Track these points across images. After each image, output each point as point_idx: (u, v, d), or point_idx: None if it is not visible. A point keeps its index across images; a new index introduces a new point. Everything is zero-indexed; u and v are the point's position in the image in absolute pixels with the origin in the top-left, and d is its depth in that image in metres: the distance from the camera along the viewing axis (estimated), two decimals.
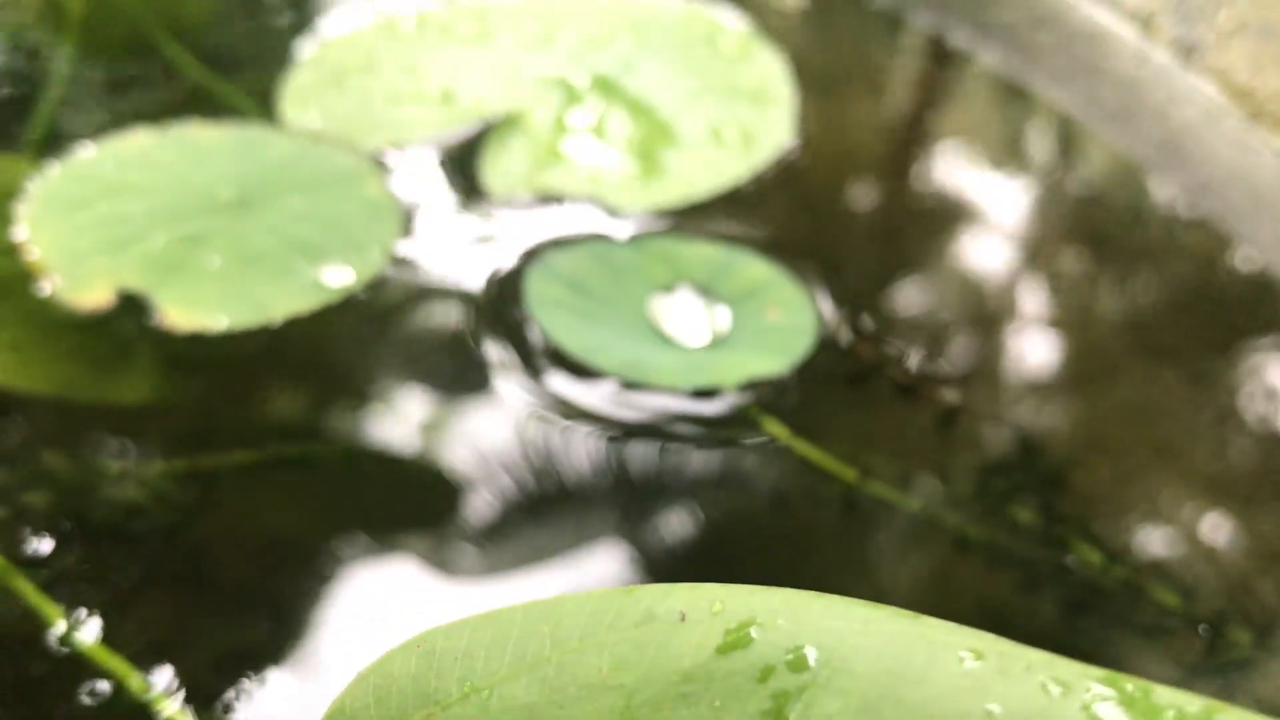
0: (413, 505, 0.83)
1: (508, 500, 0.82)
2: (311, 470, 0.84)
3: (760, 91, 1.16)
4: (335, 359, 0.90)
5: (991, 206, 1.07)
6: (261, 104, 1.09)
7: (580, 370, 0.88)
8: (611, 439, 0.85)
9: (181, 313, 0.89)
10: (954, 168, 1.11)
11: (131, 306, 0.90)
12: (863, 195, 1.07)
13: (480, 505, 0.82)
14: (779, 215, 1.03)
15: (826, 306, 0.95)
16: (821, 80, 1.19)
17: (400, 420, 0.87)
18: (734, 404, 0.87)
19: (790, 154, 1.08)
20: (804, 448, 0.85)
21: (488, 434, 0.86)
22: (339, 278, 0.93)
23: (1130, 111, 1.25)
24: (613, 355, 0.88)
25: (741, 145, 1.09)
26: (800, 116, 1.12)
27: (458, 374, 0.89)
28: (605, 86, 1.14)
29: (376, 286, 0.94)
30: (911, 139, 1.14)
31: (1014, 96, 1.21)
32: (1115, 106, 1.27)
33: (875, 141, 1.13)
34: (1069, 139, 1.21)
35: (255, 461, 0.84)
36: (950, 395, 0.89)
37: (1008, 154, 1.15)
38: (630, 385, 0.87)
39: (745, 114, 1.13)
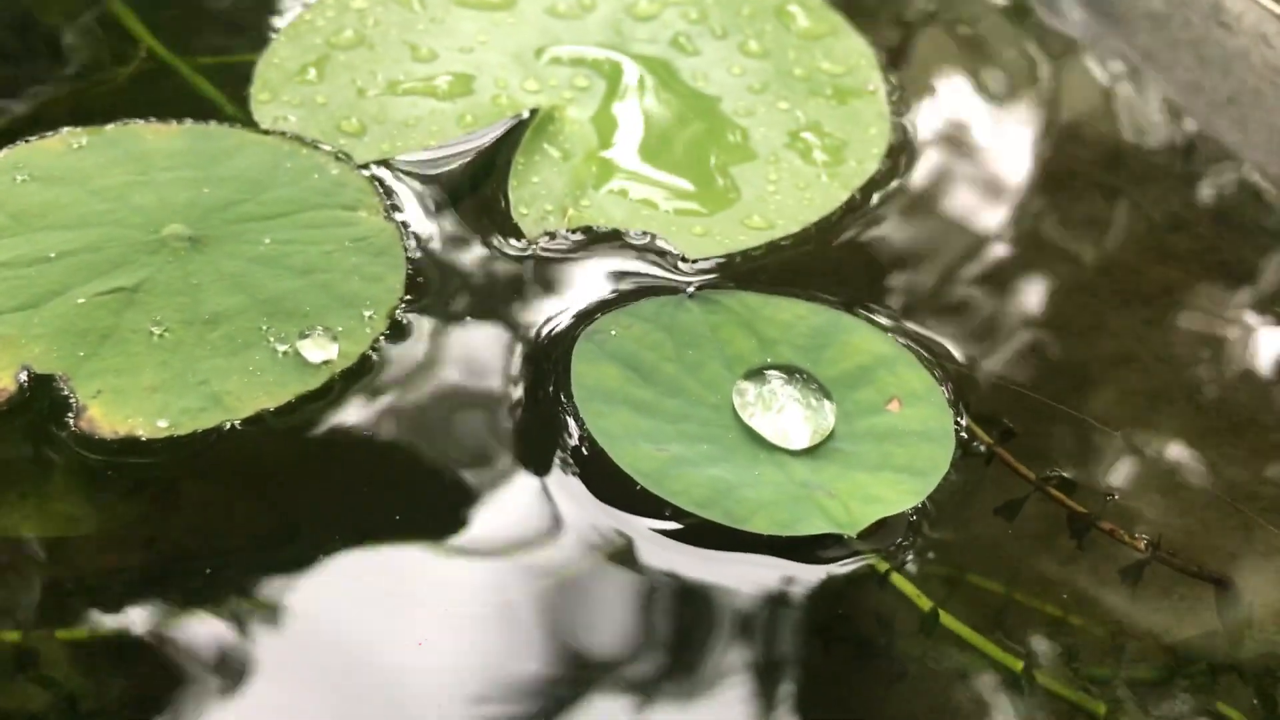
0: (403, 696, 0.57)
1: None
2: (272, 637, 0.58)
3: (845, 82, 0.87)
4: (310, 479, 0.63)
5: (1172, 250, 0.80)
6: (229, 87, 0.80)
7: (644, 500, 0.61)
8: (678, 608, 0.59)
9: (106, 412, 0.62)
10: (1103, 192, 0.83)
11: (41, 395, 0.63)
12: (994, 230, 0.80)
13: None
14: (887, 260, 0.76)
15: (958, 393, 0.68)
16: (917, 67, 0.91)
17: (396, 573, 0.60)
18: (853, 554, 0.61)
19: (892, 171, 0.80)
20: (952, 623, 0.59)
21: (504, 604, 0.59)
22: (321, 353, 0.65)
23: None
24: (689, 481, 0.61)
25: (830, 158, 0.81)
26: (899, 118, 0.83)
27: (473, 506, 0.62)
28: (656, 73, 0.86)
29: (370, 367, 0.66)
30: (1045, 143, 0.86)
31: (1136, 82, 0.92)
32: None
33: (999, 153, 0.85)
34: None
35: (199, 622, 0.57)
36: (1137, 539, 0.62)
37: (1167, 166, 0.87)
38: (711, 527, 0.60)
39: (830, 114, 0.84)
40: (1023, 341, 0.73)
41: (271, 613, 0.58)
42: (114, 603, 0.58)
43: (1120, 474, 0.66)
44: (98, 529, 0.60)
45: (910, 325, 0.71)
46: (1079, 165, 0.86)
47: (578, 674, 0.58)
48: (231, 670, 0.56)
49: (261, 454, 0.63)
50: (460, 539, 0.61)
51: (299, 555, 0.61)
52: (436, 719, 0.56)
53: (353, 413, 0.65)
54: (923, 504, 0.62)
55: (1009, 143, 0.87)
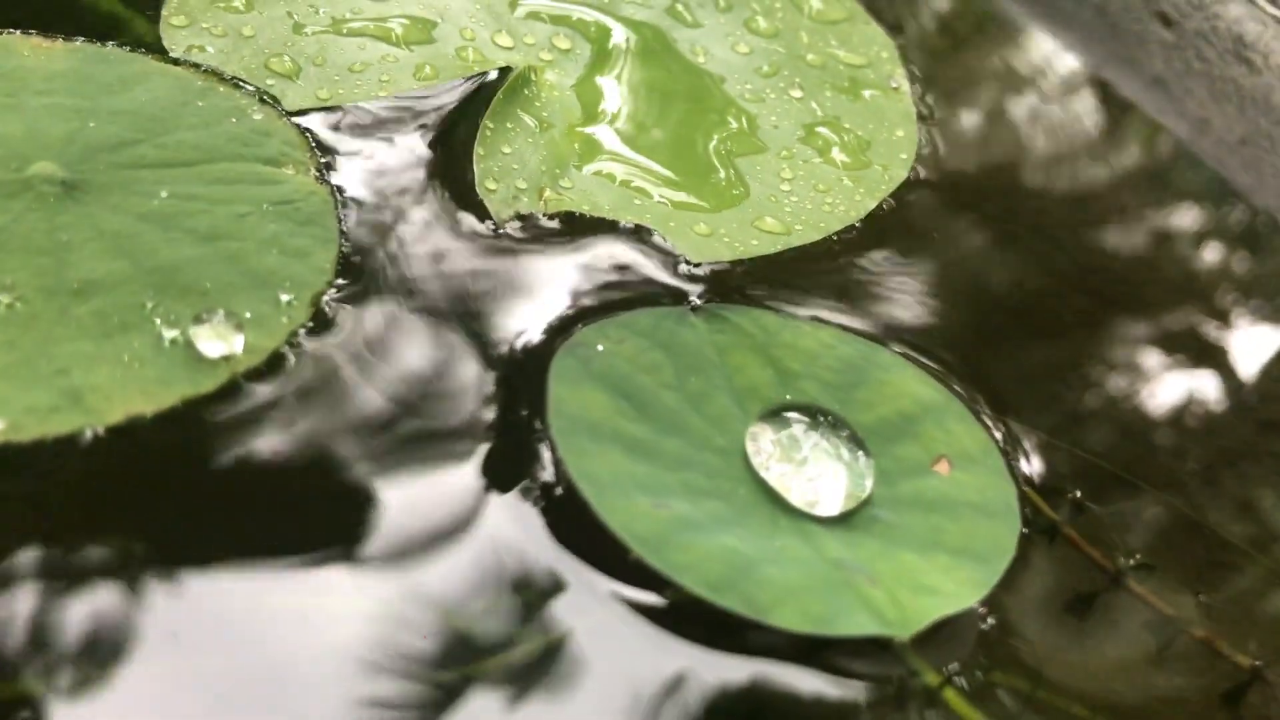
0: None
1: None
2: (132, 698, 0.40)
3: (865, 75, 0.72)
4: (193, 509, 0.46)
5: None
6: (137, 4, 0.63)
7: (639, 574, 0.45)
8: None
9: None
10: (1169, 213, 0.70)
11: None
12: (1048, 253, 0.65)
13: None
14: (924, 286, 0.61)
15: (1012, 454, 0.53)
16: (940, 63, 0.76)
17: (288, 631, 0.43)
18: (899, 666, 0.45)
19: (924, 181, 0.65)
20: None
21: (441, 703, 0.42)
22: (220, 345, 0.48)
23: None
24: (698, 553, 0.45)
25: (852, 160, 0.66)
26: (926, 120, 0.69)
27: (410, 567, 0.45)
28: (649, 42, 0.70)
29: (283, 368, 0.49)
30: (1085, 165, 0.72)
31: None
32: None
33: (1035, 169, 0.71)
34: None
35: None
36: (1240, 654, 0.48)
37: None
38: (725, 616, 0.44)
39: (849, 110, 0.69)
40: (1083, 395, 0.58)
41: (129, 671, 0.41)
42: None
43: (1207, 568, 0.52)
44: None
45: (955, 358, 0.56)
46: (1112, 191, 0.72)
47: None
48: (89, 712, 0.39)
49: (131, 473, 0.46)
50: (377, 596, 0.44)
51: (174, 582, 0.43)
52: None
53: (255, 427, 0.48)
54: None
55: (1040, 160, 0.73)
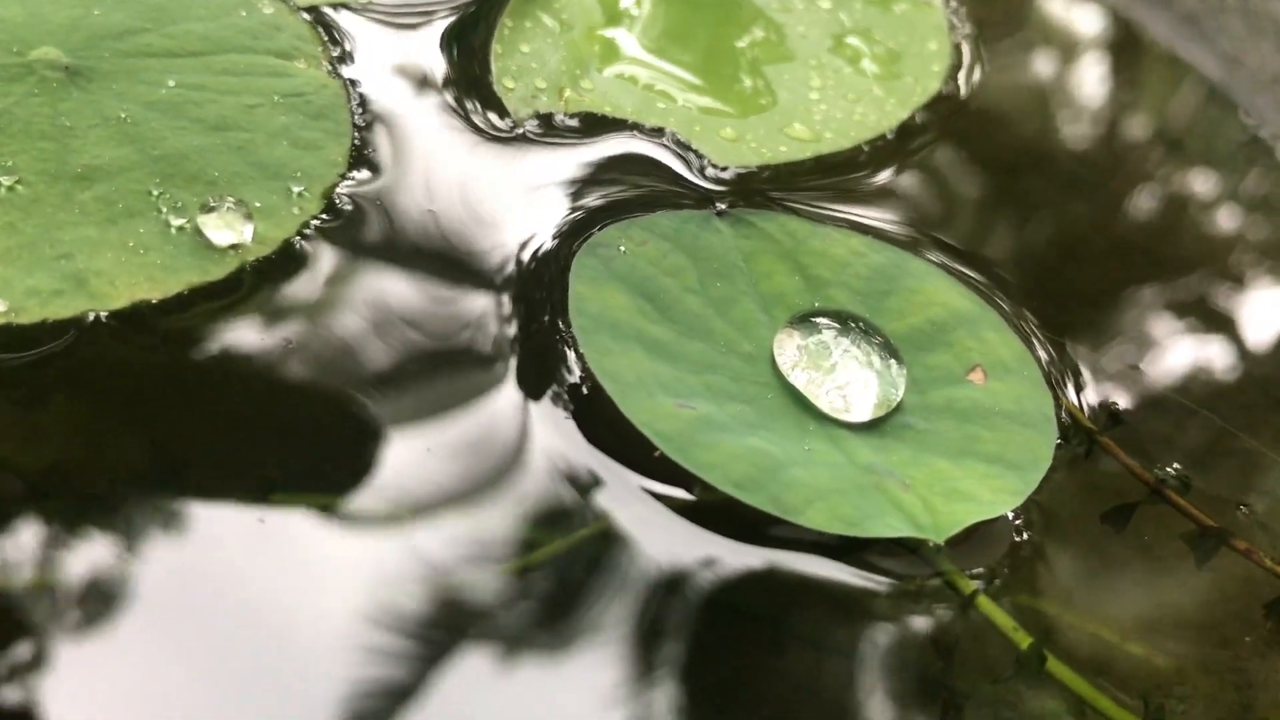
0: None
1: None
2: (141, 606, 0.39)
3: None
4: (199, 403, 0.44)
5: None
6: None
7: (662, 467, 0.44)
8: (668, 610, 0.42)
9: None
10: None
11: None
12: (1085, 176, 0.63)
13: None
14: (957, 197, 0.59)
15: (1051, 361, 0.52)
16: None
17: (302, 533, 0.42)
18: (925, 568, 0.44)
19: (956, 93, 0.63)
20: (1058, 669, 0.42)
21: (466, 618, 0.41)
22: (228, 233, 0.47)
23: None
24: (724, 452, 0.44)
25: (883, 70, 0.64)
26: (957, 34, 0.67)
27: (418, 459, 0.44)
28: None
29: (294, 259, 0.48)
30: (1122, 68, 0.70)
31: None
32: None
33: (1068, 88, 0.69)
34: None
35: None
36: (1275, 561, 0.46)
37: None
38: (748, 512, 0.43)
39: (880, 21, 0.67)
40: (1119, 309, 0.57)
41: (140, 576, 0.40)
42: None
43: (1250, 482, 0.51)
44: None
45: (989, 266, 0.55)
46: (1146, 119, 0.71)
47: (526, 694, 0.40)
48: (85, 645, 0.38)
49: (136, 362, 0.44)
50: (393, 499, 0.43)
51: (180, 503, 0.42)
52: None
53: (264, 318, 0.46)
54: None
55: (1075, 86, 0.71)
